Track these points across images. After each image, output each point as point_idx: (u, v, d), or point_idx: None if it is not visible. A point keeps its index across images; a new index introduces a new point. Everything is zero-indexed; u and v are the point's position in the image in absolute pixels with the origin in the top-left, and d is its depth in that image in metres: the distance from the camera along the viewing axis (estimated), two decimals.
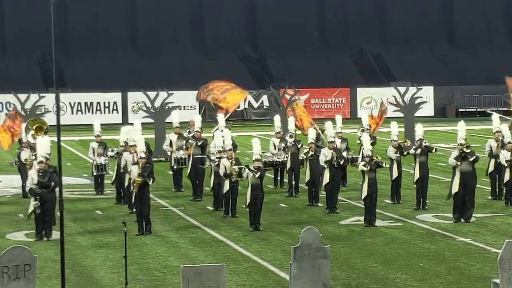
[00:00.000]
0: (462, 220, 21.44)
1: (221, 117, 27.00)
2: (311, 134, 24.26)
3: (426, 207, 23.11)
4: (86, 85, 53.00)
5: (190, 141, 25.78)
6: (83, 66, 56.12)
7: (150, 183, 20.44)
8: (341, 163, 23.07)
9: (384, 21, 62.26)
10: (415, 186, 23.42)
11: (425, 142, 23.31)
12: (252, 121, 53.08)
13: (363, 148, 25.35)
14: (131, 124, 26.10)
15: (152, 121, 35.95)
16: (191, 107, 52.34)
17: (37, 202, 19.57)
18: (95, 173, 26.26)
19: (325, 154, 22.76)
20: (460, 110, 55.40)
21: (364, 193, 20.94)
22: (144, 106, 38.05)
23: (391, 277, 16.63)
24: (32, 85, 46.50)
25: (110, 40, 58.56)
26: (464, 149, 21.37)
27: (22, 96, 36.77)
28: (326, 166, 22.65)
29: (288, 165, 25.50)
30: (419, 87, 40.16)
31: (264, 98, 54.08)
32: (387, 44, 61.23)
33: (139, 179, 20.07)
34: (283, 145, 25.85)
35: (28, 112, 34.69)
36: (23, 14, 57.26)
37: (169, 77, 53.89)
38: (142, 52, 58.54)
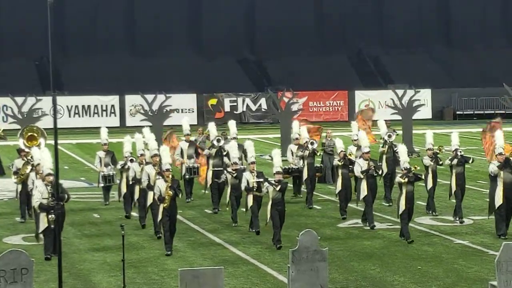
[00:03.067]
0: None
1: (232, 123, 25.46)
2: (339, 143, 23.13)
3: (463, 220, 21.68)
4: (84, 88, 53.00)
5: (208, 150, 24.34)
6: (81, 69, 56.11)
7: (180, 196, 19.26)
8: (379, 173, 21.78)
9: (382, 24, 62.34)
10: (450, 198, 22.10)
11: (461, 152, 21.79)
12: (250, 124, 53.09)
13: (386, 157, 24.17)
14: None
15: (150, 124, 35.91)
16: (189, 110, 52.38)
17: (53, 215, 17.78)
18: (102, 184, 24.81)
19: (361, 165, 21.28)
20: (458, 112, 55.49)
21: (402, 207, 19.40)
22: (142, 109, 38.02)
23: (389, 280, 16.62)
24: (29, 88, 46.55)
25: (108, 43, 58.57)
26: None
27: (19, 99, 36.75)
28: (362, 177, 21.14)
29: (305, 175, 24.33)
30: (416, 90, 40.19)
31: (262, 101, 54.12)
32: (385, 47, 61.29)
33: (171, 192, 18.56)
34: (300, 152, 24.68)
35: (25, 115, 34.69)
36: (20, 16, 57.27)
37: (167, 80, 53.93)
38: (140, 55, 58.54)
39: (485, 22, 62.44)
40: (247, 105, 54.17)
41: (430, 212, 22.71)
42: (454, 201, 21.87)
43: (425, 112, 52.02)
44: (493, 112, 54.23)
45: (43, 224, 18.28)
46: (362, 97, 54.97)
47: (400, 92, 38.46)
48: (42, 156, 19.45)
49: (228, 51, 59.06)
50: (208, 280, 13.55)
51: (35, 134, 23.97)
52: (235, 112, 53.55)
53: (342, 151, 22.77)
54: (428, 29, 61.99)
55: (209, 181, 24.00)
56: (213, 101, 53.67)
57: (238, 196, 21.54)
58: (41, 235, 18.51)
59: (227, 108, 53.74)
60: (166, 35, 59.40)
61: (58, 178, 15.05)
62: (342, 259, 18.15)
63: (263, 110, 54.12)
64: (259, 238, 20.25)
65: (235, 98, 54.18)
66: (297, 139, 25.37)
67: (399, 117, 36.98)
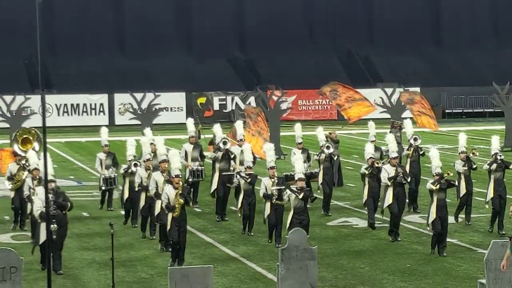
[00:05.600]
0: None
1: (239, 125, 24.14)
2: (369, 148, 21.45)
3: (504, 232, 20.03)
4: (73, 87, 52.89)
5: (213, 153, 23.17)
6: (70, 68, 56.00)
7: (191, 205, 18.21)
8: (408, 180, 20.14)
9: (372, 23, 62.43)
10: (487, 206, 20.69)
11: (501, 156, 20.31)
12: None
13: (410, 160, 22.86)
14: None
15: (139, 122, 35.89)
16: (178, 108, 52.31)
17: (55, 225, 16.54)
18: (103, 188, 23.55)
19: (388, 171, 19.79)
20: (447, 111, 55.62)
21: (432, 216, 18.17)
22: (131, 108, 37.97)
23: (378, 278, 16.65)
24: (18, 86, 46.41)
25: (97, 41, 58.47)
26: None
27: (8, 98, 36.64)
28: (389, 184, 19.63)
29: (320, 179, 23.01)
30: (406, 88, 40.22)
31: (252, 100, 54.09)
32: (375, 45, 61.37)
33: (182, 200, 17.23)
34: (316, 156, 23.31)
35: (14, 114, 34.60)
36: (9, 15, 57.09)
37: (157, 78, 53.86)
38: (129, 54, 58.46)
39: (474, 21, 62.60)
40: (236, 104, 54.15)
41: (466, 223, 21.31)
42: (491, 208, 20.41)
43: None
44: (482, 110, 54.46)
45: (43, 235, 16.83)
46: None
47: (389, 90, 38.52)
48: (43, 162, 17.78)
49: (217, 49, 59.04)
50: (198, 279, 13.56)
51: (30, 137, 22.76)
52: (224, 110, 53.53)
53: (371, 157, 20.99)
54: (418, 28, 62.10)
55: (214, 186, 22.66)
56: (202, 100, 53.60)
57: (252, 203, 20.37)
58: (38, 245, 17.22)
59: (216, 106, 53.70)
60: (156, 34, 59.34)
61: (47, 178, 14.97)
62: (331, 258, 18.18)
63: None
64: (248, 236, 20.26)
65: (224, 97, 54.15)
66: (300, 143, 23.96)
67: (388, 116, 37.04)
